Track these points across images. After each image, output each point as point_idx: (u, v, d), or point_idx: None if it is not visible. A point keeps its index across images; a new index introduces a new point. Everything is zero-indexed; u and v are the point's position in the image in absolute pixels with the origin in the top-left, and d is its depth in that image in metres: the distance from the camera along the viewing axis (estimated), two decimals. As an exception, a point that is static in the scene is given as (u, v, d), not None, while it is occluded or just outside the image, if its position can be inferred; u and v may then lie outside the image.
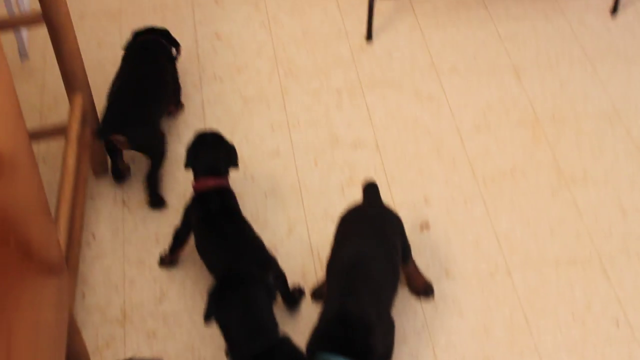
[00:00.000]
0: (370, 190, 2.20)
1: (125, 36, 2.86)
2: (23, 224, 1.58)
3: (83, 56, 2.32)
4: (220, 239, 2.14)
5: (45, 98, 2.75)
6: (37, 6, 2.20)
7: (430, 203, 2.45)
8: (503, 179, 2.51)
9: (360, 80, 2.80)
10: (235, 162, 2.30)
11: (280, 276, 2.15)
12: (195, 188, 2.23)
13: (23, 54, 2.82)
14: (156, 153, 2.45)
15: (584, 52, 2.89)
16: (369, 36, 2.93)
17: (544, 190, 2.48)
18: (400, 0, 3.08)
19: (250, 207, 2.42)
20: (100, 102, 2.52)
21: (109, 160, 2.50)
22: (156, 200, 2.45)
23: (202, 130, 2.32)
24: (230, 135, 2.62)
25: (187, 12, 3.05)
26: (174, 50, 2.68)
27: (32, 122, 2.66)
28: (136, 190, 2.49)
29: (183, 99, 2.72)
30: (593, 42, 2.93)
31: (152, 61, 2.57)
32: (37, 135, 2.37)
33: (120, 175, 2.50)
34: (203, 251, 2.19)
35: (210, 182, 2.22)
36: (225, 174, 2.26)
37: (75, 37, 2.24)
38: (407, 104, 2.72)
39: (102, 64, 2.84)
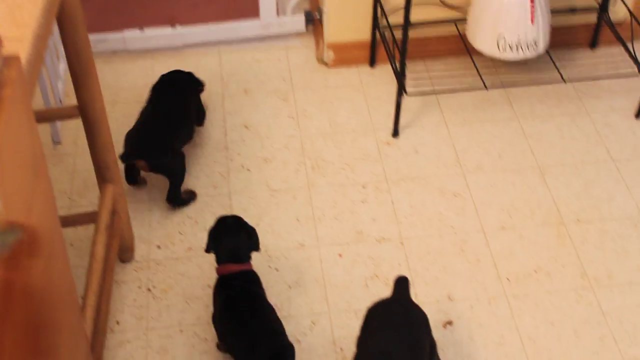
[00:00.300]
0: (401, 284, 2.21)
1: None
2: (55, 313, 1.59)
3: (114, 142, 2.37)
4: (240, 324, 2.15)
5: (75, 183, 2.79)
6: (71, 92, 2.25)
7: (454, 301, 2.45)
8: (527, 279, 2.50)
9: (385, 175, 2.83)
10: (257, 246, 2.32)
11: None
12: (218, 272, 2.26)
13: (55, 139, 2.88)
14: (174, 174, 2.67)
15: (609, 154, 2.91)
16: (396, 132, 2.97)
17: (568, 291, 2.47)
18: (427, 97, 3.13)
19: (274, 299, 2.42)
20: (130, 190, 2.57)
21: (125, 171, 2.72)
22: (181, 201, 2.71)
23: (223, 215, 2.35)
24: (255, 225, 2.62)
25: (217, 102, 3.11)
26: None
27: (62, 206, 2.70)
28: (161, 277, 2.50)
29: (210, 189, 2.76)
30: (618, 144, 2.96)
31: (176, 92, 2.83)
32: (67, 221, 2.41)
33: (134, 180, 2.74)
34: (224, 336, 2.20)
35: (234, 268, 2.24)
36: (247, 259, 2.28)
37: (109, 130, 2.29)
38: (432, 200, 2.75)
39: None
